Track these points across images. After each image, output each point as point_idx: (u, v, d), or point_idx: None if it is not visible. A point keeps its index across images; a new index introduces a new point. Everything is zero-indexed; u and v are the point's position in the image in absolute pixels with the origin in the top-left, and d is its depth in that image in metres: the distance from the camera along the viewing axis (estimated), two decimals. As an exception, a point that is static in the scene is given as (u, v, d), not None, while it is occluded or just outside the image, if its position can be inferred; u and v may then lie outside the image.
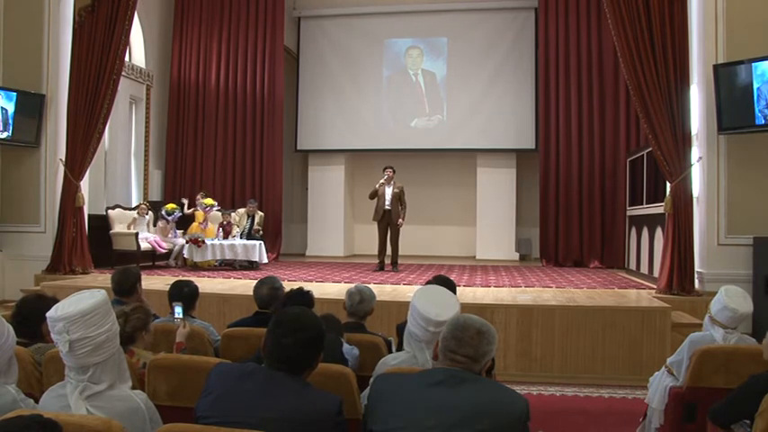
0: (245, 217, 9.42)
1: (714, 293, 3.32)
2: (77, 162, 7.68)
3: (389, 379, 2.04)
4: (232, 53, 11.03)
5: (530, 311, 5.45)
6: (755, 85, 6.05)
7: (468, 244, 11.72)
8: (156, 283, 6.53)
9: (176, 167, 11.05)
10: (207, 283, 6.71)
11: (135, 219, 8.91)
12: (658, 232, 7.23)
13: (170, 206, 9.30)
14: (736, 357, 2.98)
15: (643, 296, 6.31)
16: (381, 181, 8.60)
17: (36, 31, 7.70)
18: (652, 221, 7.61)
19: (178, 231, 9.41)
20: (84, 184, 7.91)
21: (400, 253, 8.88)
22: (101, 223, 8.51)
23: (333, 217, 11.91)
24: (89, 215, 8.10)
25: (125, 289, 3.58)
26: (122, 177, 10.22)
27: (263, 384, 1.91)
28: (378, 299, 3.66)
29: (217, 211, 9.59)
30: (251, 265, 8.79)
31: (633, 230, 8.70)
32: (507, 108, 11.16)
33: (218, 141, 10.93)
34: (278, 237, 10.87)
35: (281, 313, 2.07)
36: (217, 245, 8.59)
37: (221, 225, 9.05)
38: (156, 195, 10.80)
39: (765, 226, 6.26)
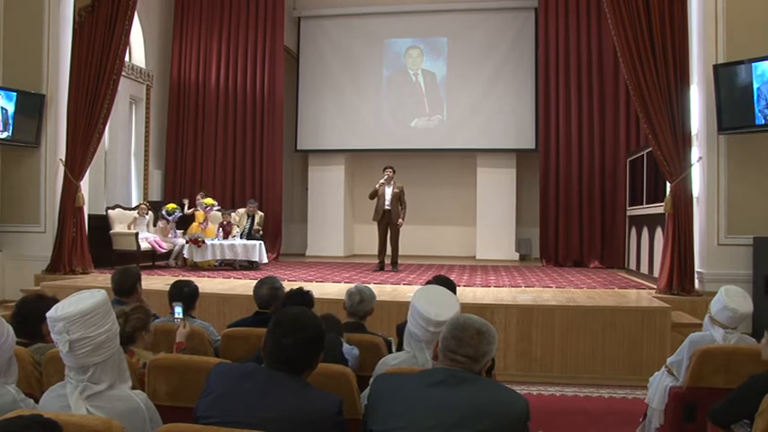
0: (245, 217, 9.42)
1: (714, 293, 3.32)
2: (77, 162, 7.68)
3: (389, 379, 2.04)
4: (232, 53, 11.03)
5: (530, 311, 5.45)
6: (755, 85, 6.05)
7: (468, 244, 11.71)
8: (156, 283, 6.53)
9: (176, 167, 11.05)
10: (207, 283, 6.71)
11: (135, 219, 8.91)
12: (658, 232, 7.22)
13: (170, 206, 9.29)
14: (736, 357, 2.98)
15: (643, 296, 6.31)
16: (381, 181, 8.59)
17: (36, 31, 7.69)
18: (652, 221, 7.61)
19: (178, 231, 9.40)
20: (85, 184, 7.91)
21: (400, 253, 8.88)
22: (101, 223, 8.51)
23: (333, 217, 11.90)
24: (89, 215, 8.10)
25: (125, 289, 3.59)
26: (122, 177, 10.22)
27: (263, 384, 1.91)
28: (378, 299, 3.66)
29: (217, 211, 9.59)
30: (251, 265, 8.79)
31: (633, 230, 8.70)
32: (507, 108, 11.15)
33: (218, 141, 10.93)
34: (278, 237, 10.87)
35: (281, 313, 2.07)
36: (217, 245, 8.59)
37: (221, 225, 9.05)
38: (156, 195, 10.79)
39: (765, 226, 6.26)
